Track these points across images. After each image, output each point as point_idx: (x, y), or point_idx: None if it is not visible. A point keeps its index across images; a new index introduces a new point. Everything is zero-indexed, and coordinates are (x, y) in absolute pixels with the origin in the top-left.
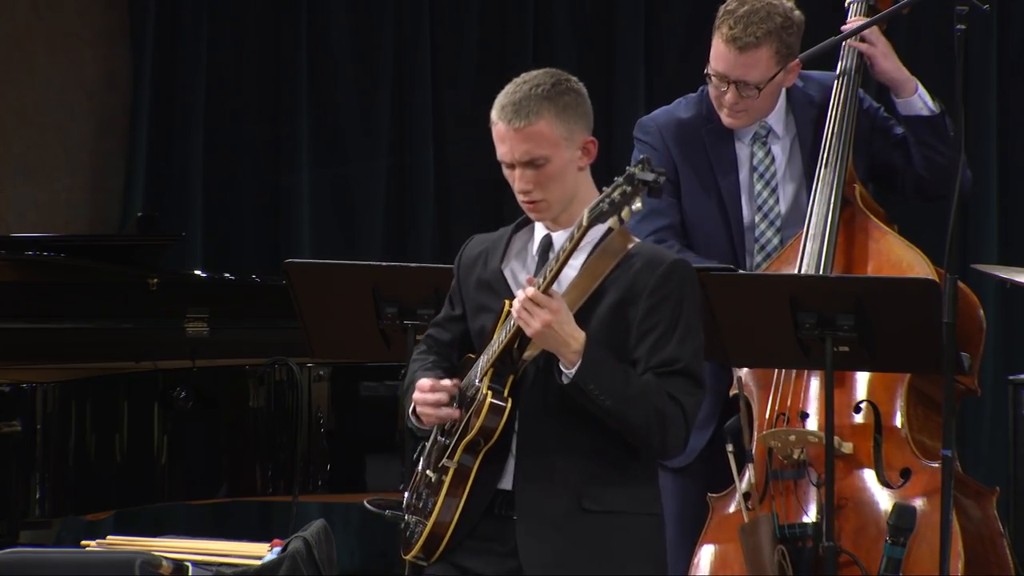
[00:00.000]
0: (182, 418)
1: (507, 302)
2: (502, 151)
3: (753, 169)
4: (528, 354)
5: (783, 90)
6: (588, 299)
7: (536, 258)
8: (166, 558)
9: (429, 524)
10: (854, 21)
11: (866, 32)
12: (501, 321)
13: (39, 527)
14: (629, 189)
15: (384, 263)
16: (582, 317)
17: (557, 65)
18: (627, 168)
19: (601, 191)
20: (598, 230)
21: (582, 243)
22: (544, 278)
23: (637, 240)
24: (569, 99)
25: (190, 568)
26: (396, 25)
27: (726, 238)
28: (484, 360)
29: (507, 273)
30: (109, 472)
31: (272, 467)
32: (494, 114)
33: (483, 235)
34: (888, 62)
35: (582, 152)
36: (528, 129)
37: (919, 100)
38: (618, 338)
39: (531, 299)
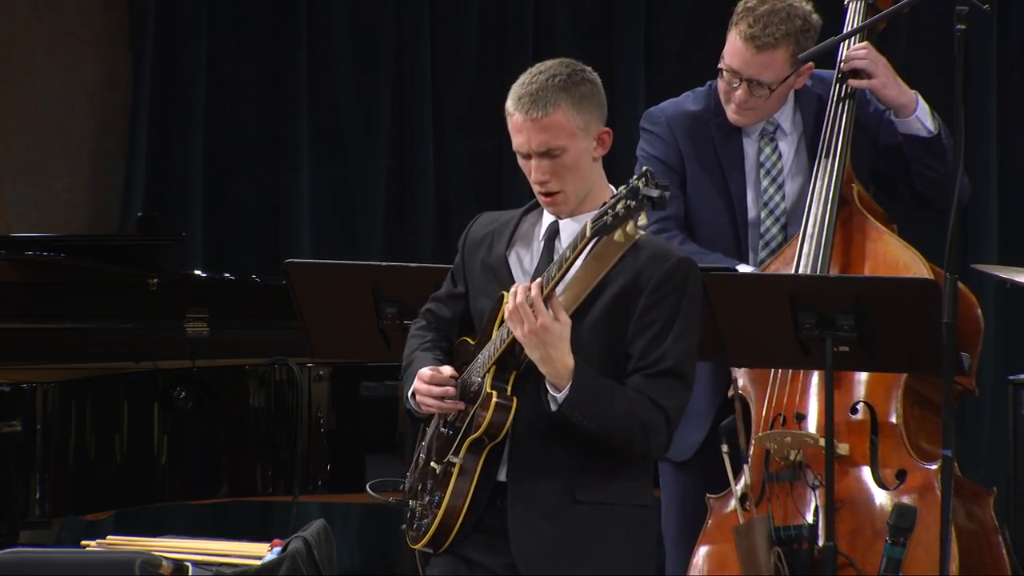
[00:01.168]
0: (182, 418)
1: (504, 294)
2: (518, 141)
3: (760, 165)
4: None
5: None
6: (590, 293)
7: (542, 243)
8: (166, 558)
9: (438, 517)
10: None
11: (866, 63)
12: (499, 318)
13: (39, 527)
14: (633, 204)
15: (384, 263)
16: (585, 306)
17: None
18: (630, 181)
19: (610, 192)
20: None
21: (588, 232)
22: (548, 282)
23: (643, 232)
24: (585, 89)
25: (190, 568)
26: (396, 25)
27: (731, 233)
28: (486, 356)
29: (511, 259)
30: (109, 472)
31: (272, 467)
32: (510, 104)
33: (492, 214)
34: (889, 91)
35: (597, 143)
36: (545, 119)
37: (917, 121)
38: (617, 329)
39: (521, 306)
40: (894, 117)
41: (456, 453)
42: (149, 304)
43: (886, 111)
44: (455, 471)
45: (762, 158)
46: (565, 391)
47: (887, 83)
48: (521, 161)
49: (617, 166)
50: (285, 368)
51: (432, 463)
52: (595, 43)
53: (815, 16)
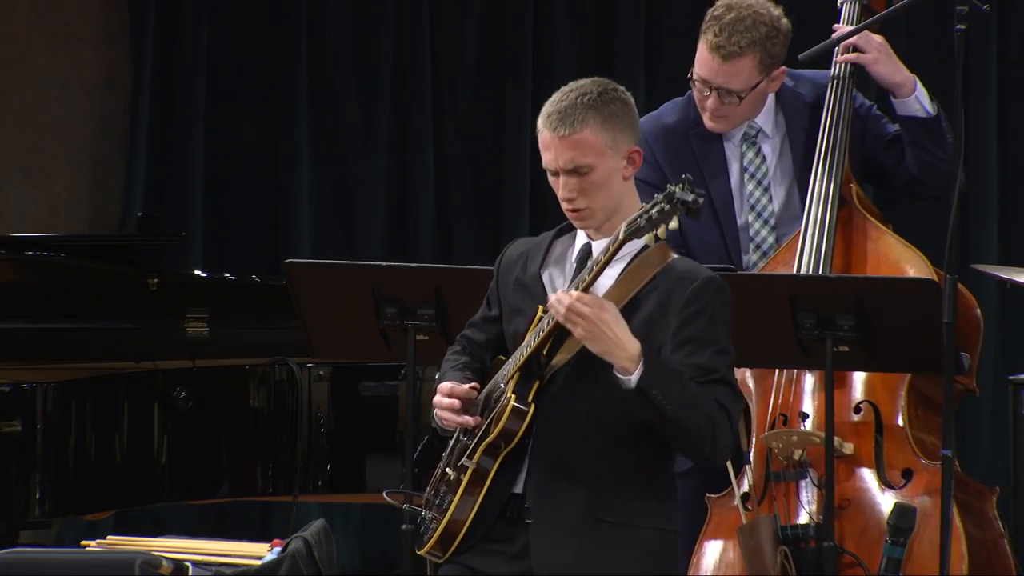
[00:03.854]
0: (182, 418)
1: (540, 307)
2: (547, 159)
3: (744, 169)
4: (556, 360)
5: (771, 93)
6: (623, 310)
7: (575, 265)
8: (166, 558)
9: (444, 520)
10: (842, 29)
11: (858, 39)
12: (533, 325)
13: (39, 527)
14: (667, 207)
15: (384, 263)
16: None
17: (557, 65)
18: (668, 186)
19: (642, 205)
20: (637, 242)
21: (621, 254)
22: (578, 288)
23: (675, 255)
24: (615, 108)
25: (190, 568)
26: (396, 25)
27: (719, 240)
28: (512, 363)
29: (545, 277)
30: (109, 472)
31: (272, 467)
32: (540, 122)
33: (525, 239)
34: (881, 67)
35: (627, 162)
36: (573, 137)
37: (915, 102)
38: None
39: (578, 301)
40: (892, 98)
41: (470, 457)
42: (149, 304)
43: (872, 107)
44: (467, 474)
45: (746, 163)
46: (639, 368)
47: (879, 59)
48: (550, 178)
49: None
50: (285, 368)
51: (447, 469)
52: (595, 43)
53: (784, 21)
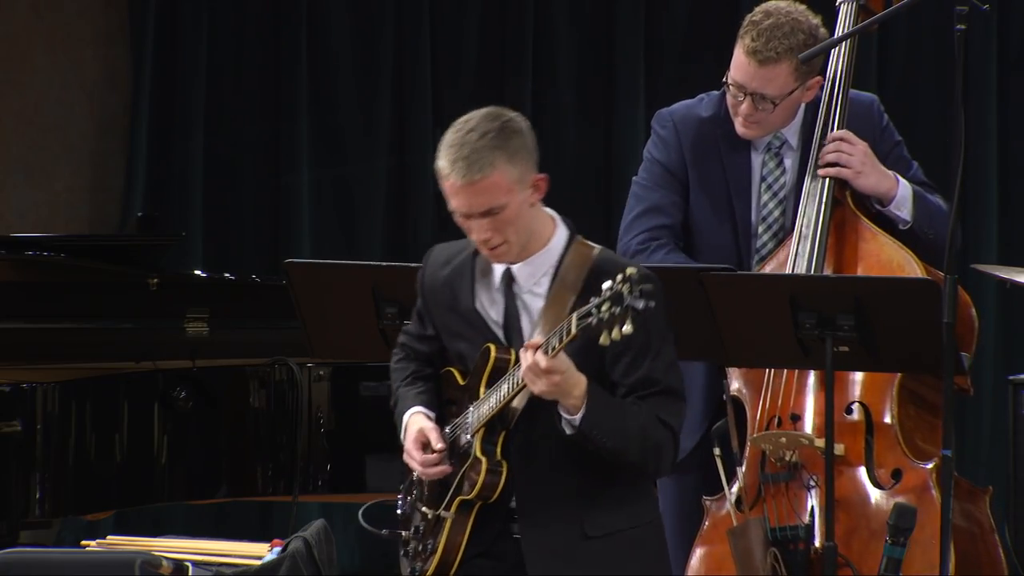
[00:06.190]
0: (182, 418)
1: (491, 347)
2: (456, 204)
3: (763, 179)
4: (516, 404)
5: (802, 104)
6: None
7: (502, 294)
8: (166, 558)
9: (433, 564)
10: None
11: (838, 156)
12: (487, 374)
13: (39, 527)
14: (617, 311)
15: (384, 263)
16: None
17: (557, 65)
18: (614, 284)
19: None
20: (558, 238)
21: (542, 264)
22: (546, 352)
23: (595, 248)
24: (517, 142)
25: (190, 568)
26: (396, 25)
27: (731, 242)
28: (476, 417)
29: (480, 309)
30: (109, 472)
31: (272, 467)
32: (444, 166)
33: (443, 248)
34: (864, 180)
35: (533, 189)
36: (484, 182)
37: (893, 212)
38: (592, 362)
39: (542, 368)
40: (876, 205)
41: (447, 508)
42: (149, 304)
43: (898, 143)
44: (447, 525)
45: (764, 172)
46: (581, 411)
47: (862, 172)
48: (459, 220)
49: (617, 166)
50: (285, 368)
51: (423, 507)
52: (595, 43)
53: (822, 30)
